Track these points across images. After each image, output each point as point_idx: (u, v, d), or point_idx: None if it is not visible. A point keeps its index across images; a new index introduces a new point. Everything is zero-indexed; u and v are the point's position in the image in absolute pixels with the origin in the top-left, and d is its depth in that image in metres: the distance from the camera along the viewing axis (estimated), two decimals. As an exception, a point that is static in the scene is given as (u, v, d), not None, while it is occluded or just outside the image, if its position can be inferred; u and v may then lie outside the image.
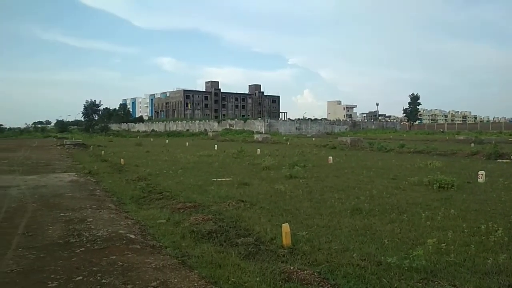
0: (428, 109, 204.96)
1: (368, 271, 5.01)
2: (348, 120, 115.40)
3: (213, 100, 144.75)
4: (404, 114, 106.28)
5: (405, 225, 7.23)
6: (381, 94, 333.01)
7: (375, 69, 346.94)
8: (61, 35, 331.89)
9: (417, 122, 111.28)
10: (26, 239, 6.73)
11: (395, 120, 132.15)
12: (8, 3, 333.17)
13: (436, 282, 4.65)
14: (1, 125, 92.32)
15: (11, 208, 9.36)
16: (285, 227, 6.18)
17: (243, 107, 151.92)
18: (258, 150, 27.04)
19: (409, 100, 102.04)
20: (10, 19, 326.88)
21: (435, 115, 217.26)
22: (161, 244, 6.51)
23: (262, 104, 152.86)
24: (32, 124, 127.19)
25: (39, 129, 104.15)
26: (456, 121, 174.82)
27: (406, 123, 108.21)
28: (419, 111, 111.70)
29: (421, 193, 10.54)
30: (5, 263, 5.51)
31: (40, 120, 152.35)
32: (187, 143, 42.53)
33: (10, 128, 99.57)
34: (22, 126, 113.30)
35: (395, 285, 4.61)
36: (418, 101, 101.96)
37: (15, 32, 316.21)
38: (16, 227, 7.53)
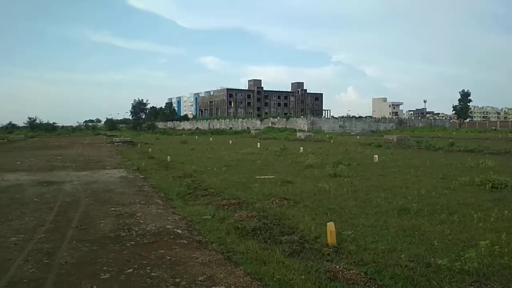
0: (480, 106, 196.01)
1: (417, 273, 4.88)
2: (394, 117, 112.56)
3: (255, 98, 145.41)
4: (453, 112, 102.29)
5: (456, 226, 6.97)
6: (429, 91, 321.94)
7: (423, 65, 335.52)
8: (110, 37, 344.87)
9: (467, 120, 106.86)
10: (79, 232, 7.06)
11: (444, 118, 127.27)
12: (61, 8, 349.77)
13: (489, 286, 4.47)
14: (55, 123, 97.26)
15: (65, 203, 9.83)
16: (330, 225, 6.13)
17: (285, 105, 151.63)
18: (301, 148, 26.90)
19: (459, 97, 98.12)
20: (62, 23, 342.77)
21: (487, 112, 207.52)
22: (207, 239, 6.63)
23: (304, 102, 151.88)
24: (83, 122, 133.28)
25: (90, 127, 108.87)
26: (509, 118, 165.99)
27: (456, 121, 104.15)
28: (470, 108, 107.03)
29: (473, 194, 10.12)
30: (60, 255, 5.80)
31: (91, 119, 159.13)
32: (230, 141, 42.98)
33: (63, 126, 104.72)
34: (74, 124, 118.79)
35: (446, 288, 4.47)
36: (468, 97, 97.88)
37: (67, 34, 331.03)
38: (70, 221, 7.91)
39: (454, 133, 65.52)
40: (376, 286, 4.59)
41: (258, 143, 34.26)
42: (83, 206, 9.41)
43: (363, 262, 5.33)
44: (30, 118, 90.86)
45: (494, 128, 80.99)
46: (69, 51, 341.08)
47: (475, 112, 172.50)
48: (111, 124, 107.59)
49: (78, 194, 11.00)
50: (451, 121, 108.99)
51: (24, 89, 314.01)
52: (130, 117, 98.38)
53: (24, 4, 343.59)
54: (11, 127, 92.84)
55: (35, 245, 6.27)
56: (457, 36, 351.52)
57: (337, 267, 5.05)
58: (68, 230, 7.18)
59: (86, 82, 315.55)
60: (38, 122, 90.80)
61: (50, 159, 22.74)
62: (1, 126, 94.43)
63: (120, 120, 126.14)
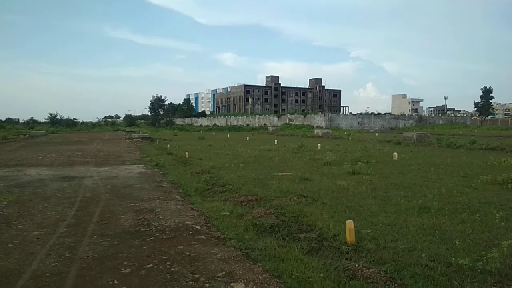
0: (502, 103, 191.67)
1: (437, 272, 4.82)
2: (413, 114, 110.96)
3: (273, 94, 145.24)
4: (475, 109, 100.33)
5: (477, 226, 6.85)
6: (449, 87, 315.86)
7: (443, 62, 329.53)
8: (129, 33, 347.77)
9: (489, 117, 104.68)
10: (100, 227, 7.17)
11: (465, 115, 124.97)
12: (80, 3, 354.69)
13: (511, 286, 4.38)
14: (75, 119, 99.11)
15: (86, 198, 9.99)
16: (349, 223, 6.09)
17: (303, 101, 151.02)
18: (319, 145, 26.78)
19: (481, 94, 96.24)
20: (82, 19, 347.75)
21: (509, 109, 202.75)
22: (225, 235, 6.66)
23: (322, 98, 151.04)
24: (103, 118, 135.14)
25: (109, 123, 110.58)
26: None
27: (478, 118, 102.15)
28: (492, 105, 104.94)
29: (495, 192, 9.93)
30: (82, 249, 5.90)
31: (110, 115, 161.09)
32: (247, 137, 43.03)
33: (83, 122, 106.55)
34: (94, 120, 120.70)
35: (467, 288, 4.40)
36: (490, 94, 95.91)
37: (86, 30, 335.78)
38: (91, 216, 8.04)
39: (476, 130, 64.30)
40: (396, 285, 4.55)
41: (275, 140, 34.22)
42: (103, 201, 9.55)
43: (382, 260, 5.28)
44: (51, 114, 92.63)
45: (517, 125, 79.21)
46: (89, 47, 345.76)
47: (497, 109, 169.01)
48: (130, 120, 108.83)
49: (99, 189, 11.17)
50: (473, 118, 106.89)
51: (46, 84, 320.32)
52: (149, 113, 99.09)
53: (46, 2, 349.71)
54: (32, 123, 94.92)
55: (57, 239, 6.39)
56: (479, 32, 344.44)
57: (356, 265, 5.02)
58: (89, 225, 7.31)
59: (106, 78, 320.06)
60: (59, 117, 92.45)
61: (71, 154, 23.14)
62: (23, 121, 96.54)
63: (139, 116, 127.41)
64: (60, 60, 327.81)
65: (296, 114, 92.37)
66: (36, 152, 24.26)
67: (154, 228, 7.03)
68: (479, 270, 4.80)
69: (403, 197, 9.29)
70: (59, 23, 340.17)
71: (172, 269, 5.07)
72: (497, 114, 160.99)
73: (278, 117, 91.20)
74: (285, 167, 15.66)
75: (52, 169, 15.80)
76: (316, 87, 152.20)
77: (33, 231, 6.89)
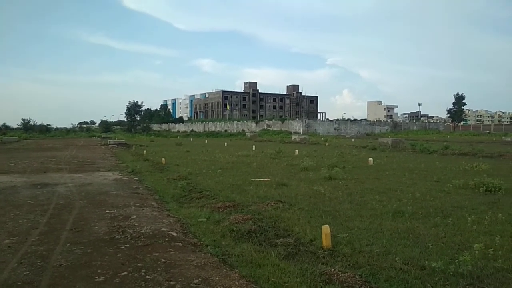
0: (474, 110, 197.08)
1: (411, 275, 4.90)
2: (388, 120, 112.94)
3: (251, 100, 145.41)
4: (448, 115, 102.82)
5: (450, 229, 7.00)
6: (423, 94, 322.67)
7: (418, 69, 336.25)
8: (106, 38, 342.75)
9: (461, 123, 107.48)
10: (73, 235, 7.02)
11: (438, 121, 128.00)
12: (56, 8, 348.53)
13: (483, 289, 4.48)
14: (49, 125, 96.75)
15: (59, 205, 9.77)
16: (325, 228, 6.14)
17: (280, 107, 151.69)
18: (296, 150, 26.94)
19: (454, 100, 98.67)
20: (57, 23, 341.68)
21: (481, 115, 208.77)
22: (202, 242, 6.62)
23: (300, 104, 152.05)
24: (77, 124, 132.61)
25: (84, 129, 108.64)
26: (503, 122, 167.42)
27: (450, 124, 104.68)
28: (464, 111, 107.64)
29: (467, 197, 10.18)
30: (54, 258, 5.76)
31: (85, 120, 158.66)
32: (225, 143, 42.96)
33: (57, 128, 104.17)
34: (68, 126, 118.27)
35: (440, 291, 4.48)
36: (463, 101, 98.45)
37: (62, 36, 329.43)
38: (64, 223, 7.87)
39: (449, 136, 65.94)
40: (371, 289, 4.60)
41: (253, 146, 34.28)
42: (77, 208, 9.36)
43: (358, 265, 5.34)
44: (24, 120, 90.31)
45: (488, 131, 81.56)
46: (64, 52, 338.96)
47: (469, 116, 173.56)
48: (106, 126, 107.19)
49: (72, 196, 10.94)
50: (446, 124, 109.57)
51: (18, 90, 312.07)
52: (125, 119, 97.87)
53: (20, 4, 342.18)
54: (4, 129, 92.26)
55: (29, 248, 6.23)
56: (453, 39, 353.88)
57: (332, 270, 5.06)
58: (62, 233, 7.14)
59: (81, 83, 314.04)
60: (32, 123, 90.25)
61: (44, 161, 22.62)
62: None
63: (115, 122, 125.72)
64: (34, 65, 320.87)
65: (274, 120, 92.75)
66: (8, 159, 23.61)
67: (129, 236, 6.92)
68: (451, 273, 4.90)
69: (378, 202, 9.42)
70: (33, 27, 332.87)
71: (148, 277, 5.00)
72: (469, 120, 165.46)
73: (256, 123, 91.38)
74: (262, 173, 15.69)
75: (24, 176, 15.41)
76: (293, 93, 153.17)
77: (4, 240, 6.70)
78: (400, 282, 4.73)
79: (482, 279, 4.81)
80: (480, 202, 9.38)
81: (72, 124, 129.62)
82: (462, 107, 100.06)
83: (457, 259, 5.19)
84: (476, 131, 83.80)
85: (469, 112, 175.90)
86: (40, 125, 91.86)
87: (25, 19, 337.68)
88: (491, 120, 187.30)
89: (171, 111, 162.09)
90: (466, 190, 11.12)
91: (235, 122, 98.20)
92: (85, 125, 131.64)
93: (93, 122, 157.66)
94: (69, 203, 10.05)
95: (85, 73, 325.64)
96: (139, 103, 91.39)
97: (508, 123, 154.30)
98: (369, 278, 4.87)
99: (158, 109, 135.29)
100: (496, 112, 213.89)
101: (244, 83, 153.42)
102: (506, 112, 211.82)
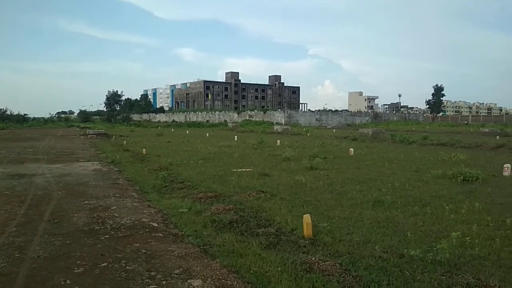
0: (452, 101, 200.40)
1: (390, 263, 4.97)
2: (369, 111, 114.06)
3: (233, 91, 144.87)
4: (427, 106, 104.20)
5: (428, 218, 7.13)
6: (403, 85, 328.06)
7: (398, 60, 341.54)
8: (86, 27, 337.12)
9: (440, 114, 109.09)
10: (52, 226, 6.90)
11: (417, 112, 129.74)
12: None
13: (460, 276, 4.58)
14: (26, 114, 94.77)
15: (37, 196, 9.59)
16: (306, 218, 6.18)
17: (263, 98, 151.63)
18: (278, 141, 27.01)
19: (433, 92, 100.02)
20: (35, 11, 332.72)
21: (459, 107, 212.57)
22: (183, 232, 6.59)
23: (282, 95, 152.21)
24: (55, 114, 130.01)
25: (62, 119, 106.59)
26: (481, 113, 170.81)
27: (429, 115, 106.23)
28: (443, 102, 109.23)
29: (445, 186, 10.38)
30: (32, 249, 5.66)
31: (64, 110, 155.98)
32: (207, 133, 42.76)
33: (34, 118, 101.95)
34: (46, 116, 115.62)
35: (418, 278, 4.57)
36: (442, 92, 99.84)
37: (41, 24, 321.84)
38: (42, 214, 7.72)
39: (428, 127, 66.91)
40: (350, 276, 4.65)
41: (235, 136, 34.19)
42: (55, 199, 9.20)
43: (338, 253, 5.40)
44: (0, 109, 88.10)
45: (466, 122, 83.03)
46: (42, 40, 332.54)
47: (448, 107, 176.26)
48: (85, 116, 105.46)
49: (50, 187, 10.74)
50: (425, 115, 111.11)
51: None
52: (104, 109, 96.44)
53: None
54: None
55: (6, 239, 6.10)
56: (432, 32, 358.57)
57: (313, 258, 5.10)
58: (40, 224, 7.02)
59: (60, 72, 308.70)
60: (9, 113, 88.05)
61: (21, 151, 22.13)
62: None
63: (94, 112, 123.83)
64: (10, 54, 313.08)
65: (256, 110, 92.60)
66: (-17, 149, 23.02)
67: (109, 226, 6.84)
68: (429, 261, 5.00)
69: (358, 192, 9.53)
70: (8, 14, 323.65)
71: (128, 267, 4.96)
72: (448, 111, 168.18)
73: (238, 114, 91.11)
74: (244, 163, 15.68)
75: (1, 167, 15.05)
76: (275, 83, 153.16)
77: (-21, 232, 6.54)
78: (379, 270, 4.80)
79: (460, 266, 4.91)
80: (457, 192, 9.57)
81: (50, 114, 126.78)
82: (441, 98, 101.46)
83: (435, 247, 5.29)
84: (454, 122, 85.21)
85: (448, 103, 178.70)
86: (17, 114, 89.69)
87: (5, 9, 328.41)
88: (469, 111, 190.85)
89: (152, 101, 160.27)
90: (444, 180, 11.33)
91: (217, 112, 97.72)
92: (63, 115, 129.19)
93: (71, 112, 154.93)
94: (47, 194, 9.87)
95: (63, 62, 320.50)
96: (119, 93, 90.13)
97: (486, 114, 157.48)
98: (349, 267, 4.92)
99: (139, 99, 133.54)
100: (474, 104, 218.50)
101: (226, 73, 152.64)
102: (483, 103, 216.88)
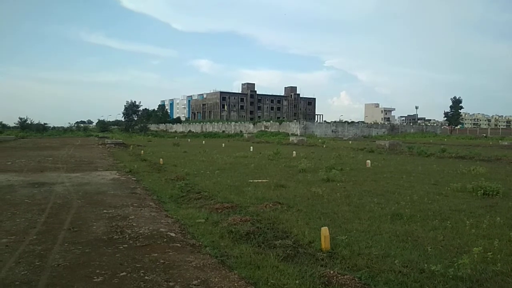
0: (471, 113, 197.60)
1: (410, 278, 4.90)
2: (386, 123, 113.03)
3: (248, 102, 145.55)
4: (445, 118, 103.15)
5: (448, 232, 7.02)
6: (420, 97, 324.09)
7: (415, 71, 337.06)
8: (104, 38, 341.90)
9: (458, 127, 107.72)
10: (71, 235, 6.99)
11: (435, 124, 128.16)
12: (56, 7, 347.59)
13: (482, 293, 4.48)
14: (46, 123, 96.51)
15: (57, 204, 9.73)
16: (324, 230, 6.13)
17: (278, 109, 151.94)
18: (294, 152, 26.96)
19: (451, 104, 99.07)
20: (56, 23, 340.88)
21: (477, 119, 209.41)
22: (200, 243, 6.60)
23: (297, 106, 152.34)
24: (75, 123, 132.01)
25: (81, 128, 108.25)
26: (500, 126, 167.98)
27: (447, 127, 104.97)
28: (461, 115, 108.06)
29: (465, 200, 10.20)
30: (52, 257, 5.73)
31: (83, 120, 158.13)
32: (223, 144, 42.91)
33: (54, 127, 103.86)
34: (66, 125, 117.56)
35: (439, 294, 4.49)
36: (460, 104, 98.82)
37: (62, 35, 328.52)
38: (62, 223, 7.83)
39: (445, 139, 66.00)
40: (370, 291, 4.59)
41: (251, 147, 34.25)
42: (75, 208, 9.32)
43: (357, 267, 5.34)
44: (21, 119, 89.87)
45: (484, 135, 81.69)
46: (63, 51, 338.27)
47: (466, 119, 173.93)
48: (103, 125, 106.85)
49: (70, 196, 10.90)
50: (442, 127, 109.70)
51: (16, 88, 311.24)
52: (122, 119, 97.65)
53: (20, 3, 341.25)
54: (1, 127, 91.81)
55: (26, 247, 6.20)
56: (451, 43, 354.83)
57: (331, 272, 5.05)
58: (60, 232, 7.11)
59: (79, 82, 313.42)
60: (29, 122, 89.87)
61: (41, 160, 22.54)
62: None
63: (112, 121, 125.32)
64: (32, 64, 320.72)
65: (271, 121, 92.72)
66: (5, 158, 23.53)
67: (127, 236, 6.90)
68: (450, 276, 4.90)
69: (376, 204, 9.43)
70: (32, 26, 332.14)
71: (146, 277, 4.98)
72: (466, 123, 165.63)
73: (253, 124, 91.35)
74: (260, 174, 15.68)
75: (21, 175, 15.34)
76: (291, 95, 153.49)
77: (2, 239, 6.66)
78: (399, 285, 4.73)
79: (481, 282, 4.81)
80: (478, 206, 9.40)
81: (69, 123, 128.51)
82: (459, 111, 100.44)
83: (456, 262, 5.20)
84: (473, 135, 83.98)
85: (466, 115, 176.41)
86: (37, 124, 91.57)
87: (24, 18, 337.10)
88: (488, 124, 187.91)
89: (169, 111, 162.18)
90: (464, 193, 11.14)
91: (233, 123, 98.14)
92: (82, 125, 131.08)
93: (90, 122, 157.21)
94: (67, 202, 10.01)
95: (83, 72, 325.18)
96: (137, 103, 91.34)
97: (505, 127, 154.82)
98: (368, 281, 4.86)
99: (156, 109, 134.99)
100: (492, 116, 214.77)
101: (242, 84, 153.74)
102: (503, 116, 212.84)
